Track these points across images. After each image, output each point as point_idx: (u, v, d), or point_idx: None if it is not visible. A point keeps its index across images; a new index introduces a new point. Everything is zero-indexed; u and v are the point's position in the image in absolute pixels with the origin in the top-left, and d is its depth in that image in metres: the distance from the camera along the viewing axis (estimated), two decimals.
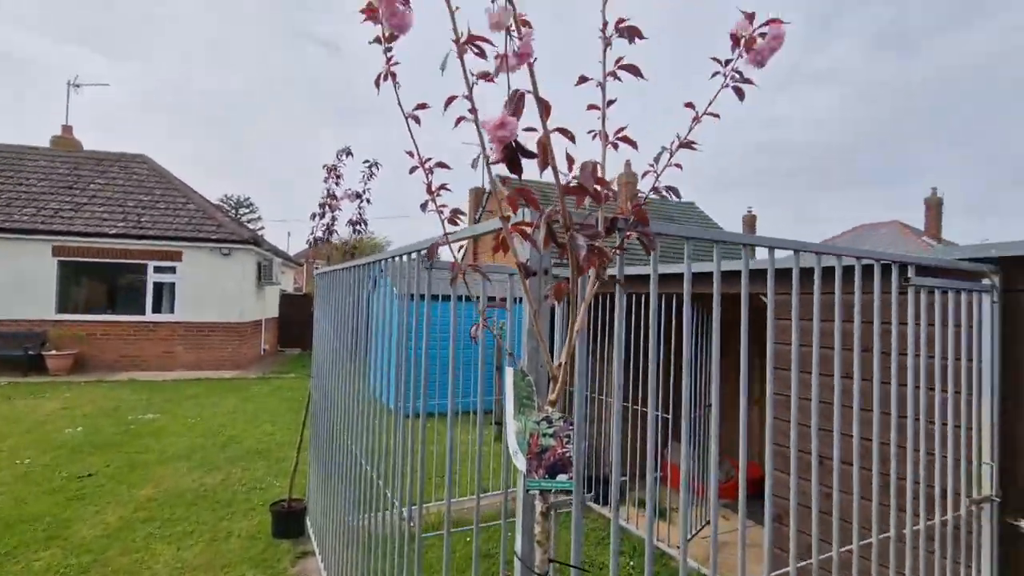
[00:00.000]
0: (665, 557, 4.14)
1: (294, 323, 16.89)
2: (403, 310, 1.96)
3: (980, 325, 2.21)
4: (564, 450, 1.09)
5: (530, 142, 0.99)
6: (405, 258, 1.94)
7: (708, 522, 4.72)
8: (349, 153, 4.30)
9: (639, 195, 1.29)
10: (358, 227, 4.51)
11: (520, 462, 1.13)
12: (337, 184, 4.39)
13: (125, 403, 8.66)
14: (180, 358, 12.15)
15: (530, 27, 0.92)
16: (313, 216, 4.40)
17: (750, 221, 25.85)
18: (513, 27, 0.90)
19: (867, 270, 1.82)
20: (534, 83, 0.93)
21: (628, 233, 1.23)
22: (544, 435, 1.10)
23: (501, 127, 0.82)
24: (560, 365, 1.12)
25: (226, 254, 12.36)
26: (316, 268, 4.14)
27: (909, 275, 1.94)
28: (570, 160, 0.94)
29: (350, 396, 2.87)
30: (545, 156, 0.91)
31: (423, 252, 1.63)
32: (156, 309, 12.11)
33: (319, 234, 4.50)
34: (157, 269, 12.05)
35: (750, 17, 1.30)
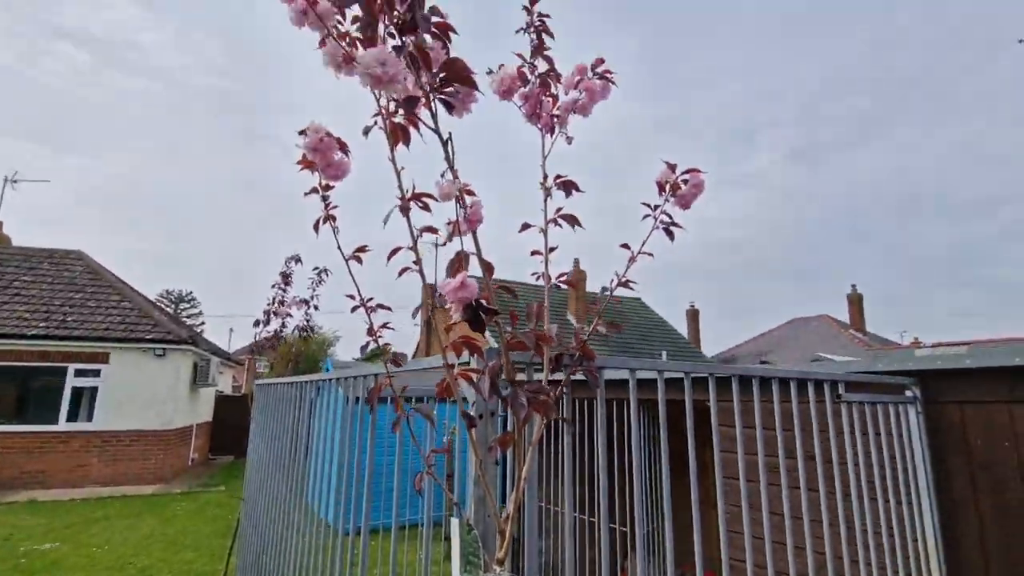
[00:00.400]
0: None
1: (229, 427, 15.72)
2: (345, 444, 1.86)
3: (910, 437, 2.31)
4: None
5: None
6: (342, 387, 1.88)
7: None
8: (298, 260, 4.28)
9: (582, 331, 1.33)
10: (305, 333, 4.39)
11: None
12: (285, 291, 4.32)
13: (20, 530, 7.56)
14: (94, 472, 10.91)
15: (474, 195, 0.97)
16: (257, 323, 4.27)
17: (693, 315, 26.97)
18: (460, 196, 0.95)
19: (802, 384, 1.91)
20: (478, 247, 0.97)
21: (574, 368, 1.25)
22: None
23: (462, 288, 0.83)
24: (508, 518, 1.07)
25: (160, 355, 11.64)
26: (258, 363, 3.95)
27: (840, 392, 2.04)
28: (514, 317, 0.96)
29: (285, 518, 2.63)
30: (490, 313, 0.93)
31: (366, 391, 1.59)
32: (72, 417, 11.03)
33: (262, 339, 4.34)
34: (79, 372, 11.13)
35: (672, 167, 1.43)
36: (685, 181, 1.41)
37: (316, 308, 4.44)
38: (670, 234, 1.43)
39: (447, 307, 0.86)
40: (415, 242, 1.06)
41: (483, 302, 0.84)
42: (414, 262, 1.06)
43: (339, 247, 1.22)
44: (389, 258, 1.07)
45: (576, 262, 19.31)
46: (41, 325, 11.14)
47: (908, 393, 2.34)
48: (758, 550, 2.27)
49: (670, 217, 1.44)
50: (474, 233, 0.96)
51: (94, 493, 10.24)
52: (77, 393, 11.11)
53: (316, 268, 4.24)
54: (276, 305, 4.27)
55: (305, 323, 4.35)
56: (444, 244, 0.98)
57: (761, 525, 1.78)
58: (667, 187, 1.42)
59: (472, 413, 1.10)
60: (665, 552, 1.47)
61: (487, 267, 0.94)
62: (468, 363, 1.16)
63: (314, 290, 4.37)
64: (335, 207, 1.24)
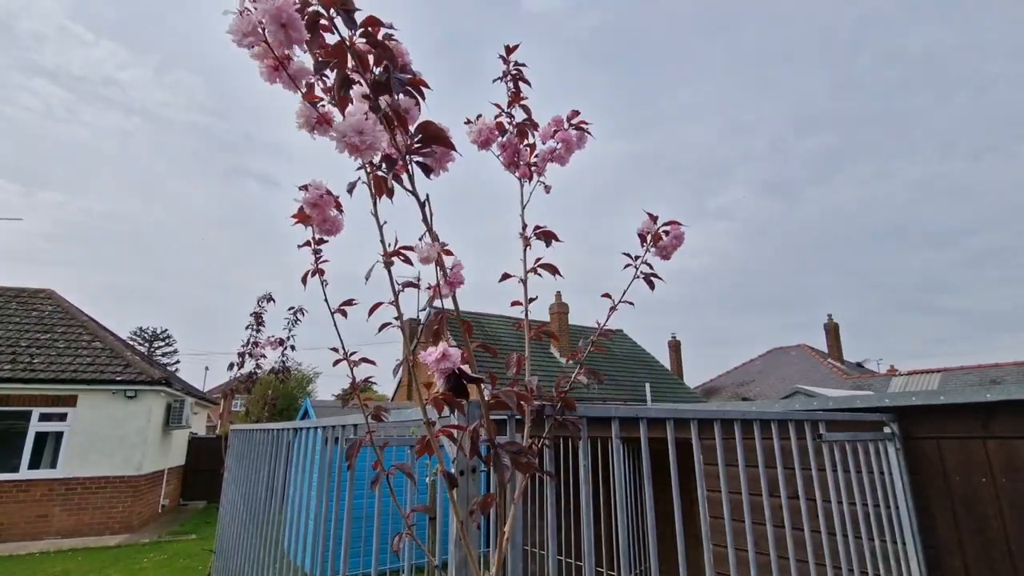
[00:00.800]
0: None
1: (202, 471, 15.14)
2: (322, 492, 1.81)
3: (891, 474, 2.32)
4: None
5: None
6: (320, 434, 1.83)
7: None
8: (270, 299, 4.23)
9: (564, 382, 1.32)
10: (281, 376, 4.30)
11: None
12: (259, 331, 4.24)
13: None
14: (56, 523, 10.34)
15: (453, 255, 0.98)
16: (231, 366, 4.17)
17: (675, 346, 27.14)
18: (440, 259, 0.95)
19: (783, 424, 1.92)
20: (456, 306, 0.97)
21: (556, 421, 1.24)
22: None
23: (444, 359, 0.83)
24: None
25: (131, 396, 11.25)
26: (234, 405, 3.82)
27: (820, 432, 2.05)
28: (493, 379, 0.96)
29: (260, 573, 2.51)
30: (473, 381, 0.93)
31: (346, 441, 1.55)
32: (34, 464, 10.51)
33: (236, 382, 4.23)
34: (43, 416, 10.67)
35: (653, 218, 1.46)
36: (666, 232, 1.44)
37: (292, 348, 4.37)
38: (651, 284, 1.45)
39: (428, 373, 0.85)
40: (396, 297, 1.06)
41: (465, 369, 0.83)
42: (395, 318, 1.05)
43: (326, 300, 1.21)
44: (370, 313, 1.06)
45: (558, 295, 19.39)
46: (6, 368, 10.72)
47: (887, 430, 2.37)
48: None
49: (650, 267, 1.46)
50: (453, 295, 0.96)
51: (54, 545, 9.69)
52: (41, 438, 10.63)
53: (291, 308, 4.19)
54: (250, 346, 4.19)
55: (282, 364, 4.26)
56: (424, 309, 0.98)
57: (747, 565, 1.76)
58: (648, 238, 1.45)
59: (453, 471, 1.08)
60: None
61: (466, 327, 0.94)
62: (449, 417, 1.14)
63: (290, 330, 4.31)
64: (325, 261, 1.23)
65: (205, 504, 14.74)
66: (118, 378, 11.17)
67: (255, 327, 4.23)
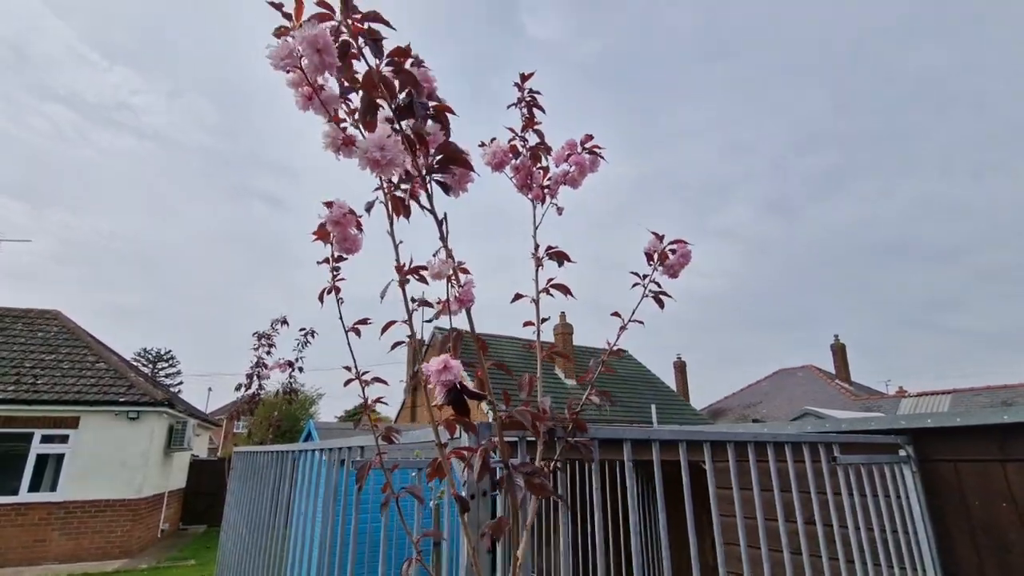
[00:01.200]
0: None
1: (203, 494, 14.97)
2: (327, 516, 1.77)
3: (908, 498, 2.27)
4: None
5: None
6: (326, 457, 1.81)
7: None
8: (284, 322, 4.23)
9: (574, 404, 1.31)
10: (289, 396, 4.27)
11: None
12: (268, 353, 4.24)
13: None
14: (53, 548, 10.20)
15: (468, 272, 0.98)
16: (238, 387, 4.15)
17: (680, 367, 26.93)
18: (453, 276, 0.95)
19: (797, 446, 1.89)
20: (471, 324, 0.97)
21: (568, 444, 1.22)
22: None
23: (445, 371, 0.82)
24: None
25: (134, 418, 11.19)
26: (236, 426, 3.79)
27: (835, 454, 2.01)
28: (507, 398, 0.95)
29: None
30: (484, 389, 0.92)
31: (353, 463, 1.53)
32: (34, 487, 10.41)
33: (242, 403, 4.21)
34: (45, 439, 10.61)
35: (659, 237, 1.46)
36: (672, 251, 1.44)
37: (301, 370, 4.35)
38: (660, 303, 1.44)
39: (430, 388, 0.84)
40: (410, 316, 1.05)
41: (466, 385, 0.82)
42: (408, 336, 1.04)
43: (341, 318, 1.21)
44: (383, 332, 1.06)
45: (563, 315, 19.35)
46: (10, 389, 10.71)
47: (902, 452, 2.33)
48: None
49: (659, 285, 1.46)
50: (468, 311, 0.96)
51: (51, 571, 9.54)
52: (42, 461, 10.55)
53: (303, 329, 4.19)
54: (259, 367, 4.18)
55: (289, 386, 4.24)
56: (431, 321, 0.98)
57: None
58: (655, 257, 1.45)
59: (464, 494, 1.06)
60: None
61: (481, 345, 0.93)
62: (460, 439, 1.13)
63: (300, 351, 4.30)
64: (342, 279, 1.24)
65: (205, 528, 14.54)
66: (121, 399, 11.13)
67: (265, 348, 4.22)
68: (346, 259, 1.23)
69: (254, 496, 2.95)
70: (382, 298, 1.04)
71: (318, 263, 1.20)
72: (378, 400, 1.24)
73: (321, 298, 1.23)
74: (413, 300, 1.07)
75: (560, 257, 1.30)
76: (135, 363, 18.00)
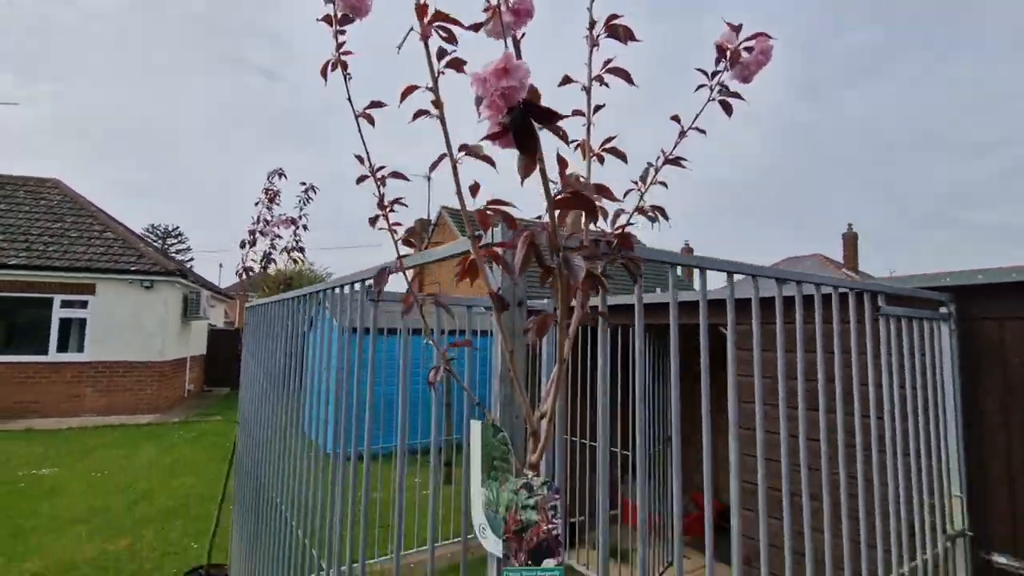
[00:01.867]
0: None
1: (223, 360, 15.75)
2: (344, 347, 1.69)
3: (941, 354, 2.19)
4: (551, 526, 0.87)
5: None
6: (348, 289, 1.69)
7: (671, 563, 4.54)
8: (282, 175, 4.00)
9: (623, 214, 1.13)
10: (294, 255, 4.17)
11: (491, 543, 0.90)
12: (270, 209, 4.05)
13: (16, 456, 7.60)
14: (88, 403, 10.93)
15: None
16: (243, 244, 4.03)
17: (687, 251, 26.90)
18: None
19: (827, 299, 1.74)
20: (518, 51, 0.75)
21: (611, 259, 1.05)
22: (524, 507, 0.88)
23: (505, 74, 0.59)
24: (544, 416, 0.91)
25: (148, 287, 11.39)
26: (249, 301, 3.76)
27: (880, 304, 1.89)
28: (562, 163, 0.75)
29: (279, 442, 2.52)
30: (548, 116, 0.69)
31: (368, 282, 1.40)
32: (62, 348, 10.91)
33: (250, 264, 4.12)
34: (65, 304, 10.90)
35: (736, 29, 1.19)
36: (749, 49, 1.17)
37: (305, 228, 4.20)
38: (727, 108, 1.20)
39: (478, 111, 0.63)
40: (435, 78, 0.83)
41: (535, 102, 0.61)
42: (433, 103, 0.83)
43: (348, 97, 1.00)
44: (402, 98, 0.84)
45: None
46: (22, 255, 10.79)
47: (943, 310, 2.21)
48: (773, 473, 2.19)
49: (726, 88, 1.21)
50: (516, 41, 0.73)
51: (90, 423, 10.29)
52: (65, 324, 10.94)
53: (304, 184, 3.96)
54: (262, 224, 4.02)
55: (295, 243, 4.12)
56: (476, 28, 0.75)
57: (778, 448, 1.66)
58: (727, 53, 1.18)
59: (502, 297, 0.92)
60: (670, 477, 1.33)
61: (532, 92, 0.72)
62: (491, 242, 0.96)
63: (302, 208, 4.12)
64: (348, 53, 1.00)
65: (228, 390, 15.49)
66: (133, 268, 11.25)
67: (267, 204, 4.03)
68: (352, 21, 0.98)
69: (270, 345, 2.94)
70: (399, 49, 0.81)
71: (317, 20, 0.95)
72: (396, 201, 1.06)
73: (324, 73, 1.00)
74: (440, 65, 0.84)
75: (626, 34, 1.04)
76: (144, 237, 17.99)
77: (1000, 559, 2.16)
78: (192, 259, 41.80)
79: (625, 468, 4.59)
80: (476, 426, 0.95)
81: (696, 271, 1.36)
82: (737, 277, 1.42)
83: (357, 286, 1.63)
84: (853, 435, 1.80)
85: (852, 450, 1.90)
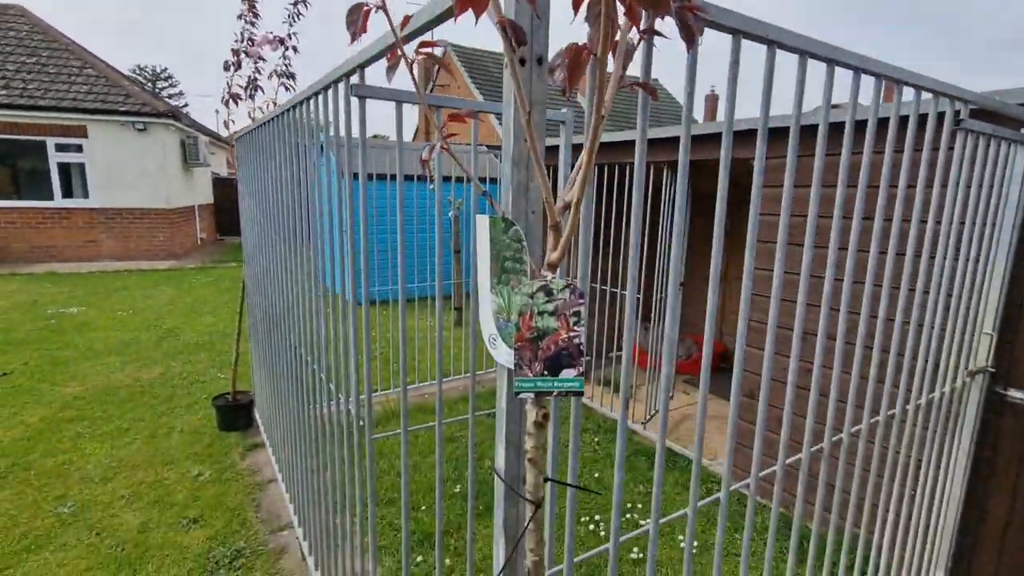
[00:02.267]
0: (628, 432, 4.17)
1: (231, 209, 15.67)
2: (345, 168, 1.47)
3: (1010, 183, 1.93)
4: (572, 334, 0.73)
5: None
6: (332, 93, 1.41)
7: (671, 396, 4.78)
8: None
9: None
10: (284, 81, 3.75)
11: (502, 354, 0.77)
12: (253, 25, 3.55)
13: (44, 296, 7.89)
14: (105, 248, 11.11)
15: None
16: (227, 65, 3.60)
17: (713, 101, 25.03)
18: None
19: (883, 122, 1.43)
20: None
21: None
22: (541, 313, 0.73)
23: None
24: (567, 207, 0.72)
25: (141, 129, 10.87)
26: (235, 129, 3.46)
27: (962, 116, 1.59)
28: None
29: (282, 280, 2.43)
30: None
31: (353, 78, 1.12)
32: (67, 194, 10.78)
33: (236, 90, 3.72)
34: (59, 147, 10.52)
35: None
36: None
37: (295, 50, 3.72)
38: None
39: None
40: None
41: None
42: None
43: None
44: None
45: None
46: (2, 93, 10.14)
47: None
48: (786, 312, 2.07)
49: None
50: None
51: (109, 267, 10.55)
52: (64, 169, 10.68)
53: None
54: (246, 43, 3.54)
55: (284, 68, 3.67)
56: None
57: (796, 288, 1.49)
58: None
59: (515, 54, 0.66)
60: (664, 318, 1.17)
61: None
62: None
63: (291, 24, 3.60)
64: None
65: (240, 239, 15.66)
66: (121, 108, 10.63)
67: (250, 18, 3.52)
68: None
69: (264, 176, 2.71)
70: None
71: None
72: None
73: None
74: None
75: None
76: (131, 76, 16.73)
77: (1017, 394, 2.13)
78: (186, 104, 39.75)
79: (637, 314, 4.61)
80: (483, 221, 0.77)
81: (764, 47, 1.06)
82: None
83: (340, 86, 1.35)
84: (896, 276, 1.62)
85: (877, 291, 1.71)
